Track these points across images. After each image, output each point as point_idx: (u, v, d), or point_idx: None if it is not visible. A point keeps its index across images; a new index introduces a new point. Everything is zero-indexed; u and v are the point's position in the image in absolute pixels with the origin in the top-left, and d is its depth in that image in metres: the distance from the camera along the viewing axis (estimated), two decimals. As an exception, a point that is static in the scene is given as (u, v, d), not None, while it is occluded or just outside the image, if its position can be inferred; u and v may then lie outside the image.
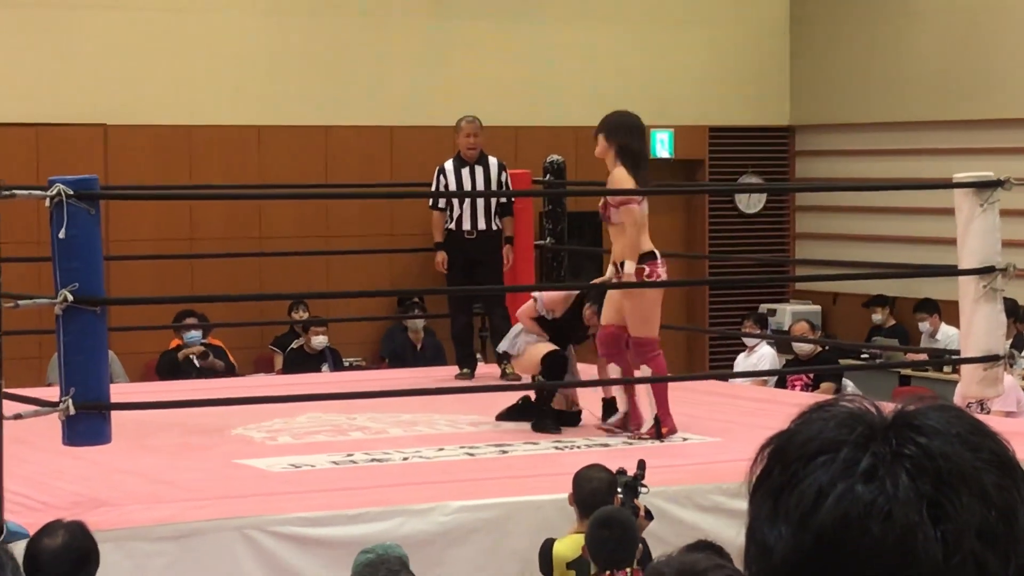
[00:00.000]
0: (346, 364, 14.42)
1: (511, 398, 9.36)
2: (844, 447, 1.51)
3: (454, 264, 11.09)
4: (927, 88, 15.81)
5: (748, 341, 14.15)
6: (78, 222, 6.85)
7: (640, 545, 6.49)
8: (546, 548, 6.79)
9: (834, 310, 16.25)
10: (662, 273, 8.89)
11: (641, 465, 6.93)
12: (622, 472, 6.91)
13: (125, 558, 6.58)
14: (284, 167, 14.89)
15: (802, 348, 13.48)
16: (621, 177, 8.89)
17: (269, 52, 15.13)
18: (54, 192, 6.84)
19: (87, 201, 6.90)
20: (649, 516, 6.91)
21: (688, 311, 16.97)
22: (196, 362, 13.76)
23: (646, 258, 8.83)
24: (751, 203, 17.28)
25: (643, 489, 6.88)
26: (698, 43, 16.78)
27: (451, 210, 11.15)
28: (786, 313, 16.21)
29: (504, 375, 11.04)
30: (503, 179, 11.19)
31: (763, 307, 16.23)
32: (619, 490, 6.77)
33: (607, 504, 6.64)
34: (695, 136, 16.81)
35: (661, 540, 6.92)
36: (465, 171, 11.15)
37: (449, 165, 11.18)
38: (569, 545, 6.70)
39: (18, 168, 12.91)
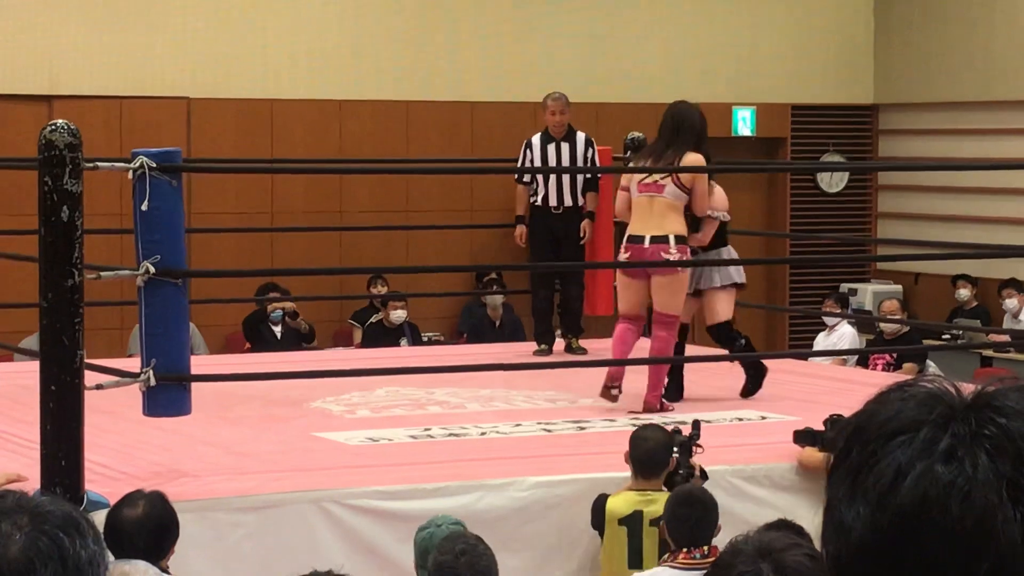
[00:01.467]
0: (424, 339, 14.46)
1: (586, 374, 9.34)
2: (923, 427, 1.50)
3: (538, 239, 11.08)
4: (1013, 67, 15.62)
5: (828, 320, 14.07)
6: (160, 194, 6.89)
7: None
8: (600, 503, 6.88)
9: (916, 290, 16.12)
10: (620, 256, 9.06)
11: (696, 425, 7.12)
12: (677, 432, 7.07)
13: (205, 529, 6.64)
14: (365, 142, 14.94)
15: (888, 327, 13.39)
16: (702, 185, 9.01)
17: (351, 27, 15.16)
18: (137, 164, 6.88)
19: (169, 174, 6.94)
20: (704, 475, 7.04)
21: (768, 290, 16.90)
22: (283, 323, 13.83)
23: (683, 240, 8.91)
24: (833, 182, 17.17)
25: (698, 449, 7.04)
26: (781, 20, 16.66)
27: (536, 185, 11.13)
28: (867, 293, 16.10)
29: (570, 349, 11.05)
30: (590, 155, 11.14)
31: (844, 286, 16.12)
32: (675, 450, 6.90)
33: (663, 463, 6.82)
34: (777, 114, 16.71)
35: (739, 519, 6.91)
36: (551, 146, 11.13)
37: (536, 139, 11.17)
38: (623, 501, 6.83)
39: (102, 141, 13.01)
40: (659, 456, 6.87)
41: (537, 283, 11.50)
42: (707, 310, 9.49)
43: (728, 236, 9.61)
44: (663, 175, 8.89)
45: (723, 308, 9.40)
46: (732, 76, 16.41)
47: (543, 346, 11.06)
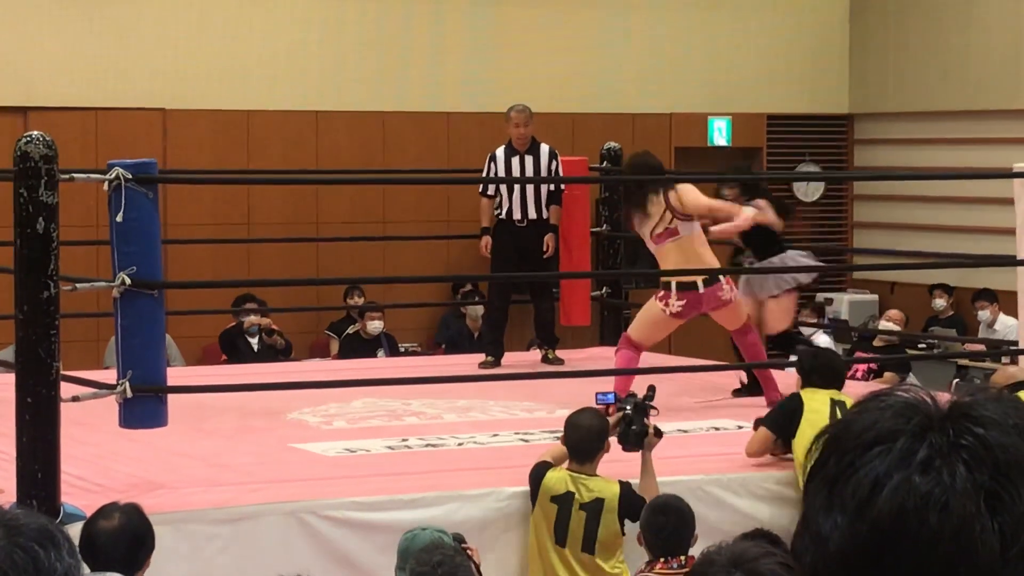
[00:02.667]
0: (402, 350, 14.45)
1: (563, 384, 9.35)
2: (901, 437, 1.50)
3: (502, 252, 11.06)
4: (988, 76, 15.68)
5: (805, 330, 14.08)
6: (136, 206, 6.88)
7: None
8: (539, 472, 7.03)
9: (892, 300, 16.15)
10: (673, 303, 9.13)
11: (651, 388, 7.39)
12: (632, 395, 7.38)
13: (180, 541, 6.62)
14: (341, 152, 14.93)
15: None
16: (691, 195, 9.14)
17: (327, 37, 15.16)
18: (113, 176, 6.87)
19: (145, 185, 6.93)
20: (659, 433, 7.26)
21: (744, 299, 16.91)
22: (259, 338, 13.80)
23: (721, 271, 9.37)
24: (809, 191, 17.20)
25: (653, 411, 7.29)
26: (756, 30, 16.70)
27: (500, 198, 11.13)
28: (843, 302, 16.13)
29: (547, 360, 11.05)
30: (554, 167, 11.14)
31: (820, 296, 16.15)
32: (628, 408, 7.20)
33: (595, 450, 7.02)
34: (753, 124, 16.75)
35: (715, 528, 6.91)
36: (515, 159, 11.12)
37: (500, 152, 11.15)
38: (559, 480, 7.02)
39: (77, 152, 12.98)
40: (591, 444, 7.05)
41: (493, 294, 11.50)
42: (764, 320, 9.67)
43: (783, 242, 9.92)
44: (668, 222, 9.03)
45: (778, 318, 9.63)
46: (708, 86, 16.44)
47: (490, 358, 11.00)
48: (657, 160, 9.47)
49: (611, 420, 7.27)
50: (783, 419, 7.64)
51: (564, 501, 6.98)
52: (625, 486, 7.01)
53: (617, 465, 7.20)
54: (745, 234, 9.57)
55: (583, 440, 7.05)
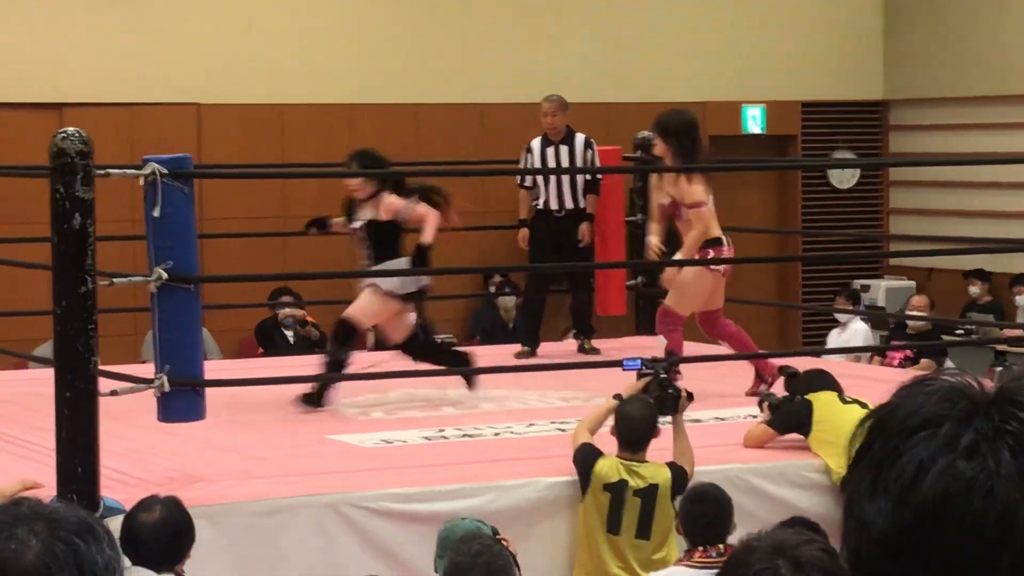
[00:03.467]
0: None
1: (599, 374, 9.33)
2: (946, 422, 1.49)
3: (539, 243, 11.07)
4: (1022, 61, 15.58)
5: (841, 317, 14.04)
6: (172, 201, 6.90)
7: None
8: (588, 460, 7.04)
9: (928, 286, 16.09)
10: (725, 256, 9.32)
11: (670, 352, 7.80)
12: (657, 360, 7.54)
13: (219, 533, 6.63)
14: (375, 145, 14.83)
15: (912, 322, 13.43)
16: (695, 189, 9.17)
17: (359, 30, 15.17)
18: (148, 172, 6.89)
19: (180, 180, 6.95)
20: (690, 397, 7.42)
21: (781, 287, 16.87)
22: (293, 331, 13.83)
23: (712, 243, 9.23)
24: (844, 178, 17.14)
25: (678, 375, 7.55)
26: (790, 17, 16.64)
27: (537, 189, 11.13)
28: (880, 289, 16.07)
29: (583, 350, 11.05)
30: (589, 157, 11.12)
31: (856, 283, 16.10)
32: (661, 373, 7.38)
33: (648, 437, 7.05)
34: (787, 111, 16.69)
35: (754, 517, 6.90)
36: (551, 150, 11.12)
37: (536, 143, 11.15)
38: (612, 467, 7.03)
39: (113, 148, 13.00)
40: (645, 432, 7.07)
41: (531, 284, 11.52)
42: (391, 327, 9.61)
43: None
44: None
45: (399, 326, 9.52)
46: (741, 74, 16.39)
47: (526, 347, 11.01)
48: (687, 119, 9.52)
49: (639, 384, 7.33)
50: (789, 420, 7.73)
51: (617, 489, 6.99)
52: (675, 468, 7.06)
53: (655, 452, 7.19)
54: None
55: (636, 430, 7.06)
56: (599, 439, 7.27)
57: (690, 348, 9.70)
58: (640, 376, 7.49)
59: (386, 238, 9.21)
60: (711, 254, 9.20)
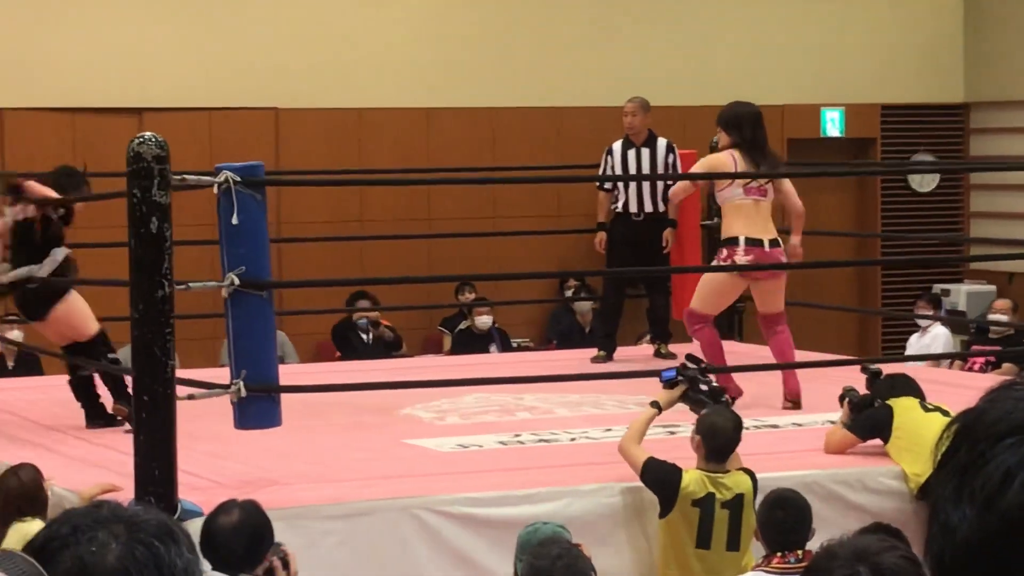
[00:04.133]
0: (514, 345, 14.46)
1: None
2: (1033, 429, 1.47)
3: (618, 246, 11.04)
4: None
5: (921, 322, 13.93)
6: (245, 208, 6.92)
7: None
8: (670, 479, 6.92)
9: (1010, 290, 15.93)
10: (739, 259, 9.04)
11: (689, 356, 7.56)
12: (685, 366, 7.42)
13: (296, 536, 6.65)
14: (452, 149, 14.96)
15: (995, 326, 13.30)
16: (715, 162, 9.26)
17: (437, 34, 15.20)
18: (222, 179, 6.92)
19: (253, 188, 6.97)
20: (723, 392, 7.41)
21: (860, 292, 16.76)
22: (368, 331, 13.89)
23: (727, 243, 9.10)
24: (924, 182, 17.00)
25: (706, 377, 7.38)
26: (870, 19, 16.53)
27: (617, 192, 11.10)
28: (960, 293, 15.93)
29: (659, 355, 11.01)
30: (671, 160, 11.09)
31: (937, 287, 15.96)
32: (698, 373, 7.30)
33: (735, 446, 6.94)
34: (867, 114, 16.58)
35: (832, 524, 6.85)
36: (632, 152, 11.09)
37: (617, 146, 11.13)
38: (697, 482, 6.91)
39: (192, 152, 13.12)
40: (732, 443, 6.98)
41: (608, 287, 11.49)
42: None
43: None
44: (766, 180, 9.04)
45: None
46: (820, 76, 16.30)
47: (602, 352, 10.97)
48: (747, 110, 9.41)
49: (675, 393, 7.29)
50: (871, 424, 7.67)
51: (706, 503, 6.87)
52: (752, 474, 7.00)
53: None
54: None
55: (731, 440, 6.94)
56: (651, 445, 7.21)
57: (767, 354, 9.62)
58: (673, 385, 7.40)
59: None
60: (724, 253, 9.11)
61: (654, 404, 7.31)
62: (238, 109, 14.50)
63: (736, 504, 6.89)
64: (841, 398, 7.89)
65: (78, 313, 8.94)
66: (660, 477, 6.96)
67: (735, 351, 10.15)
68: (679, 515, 6.92)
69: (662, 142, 11.13)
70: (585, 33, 15.56)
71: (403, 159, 14.55)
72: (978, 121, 16.96)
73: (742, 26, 16.09)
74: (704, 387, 7.28)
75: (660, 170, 11.03)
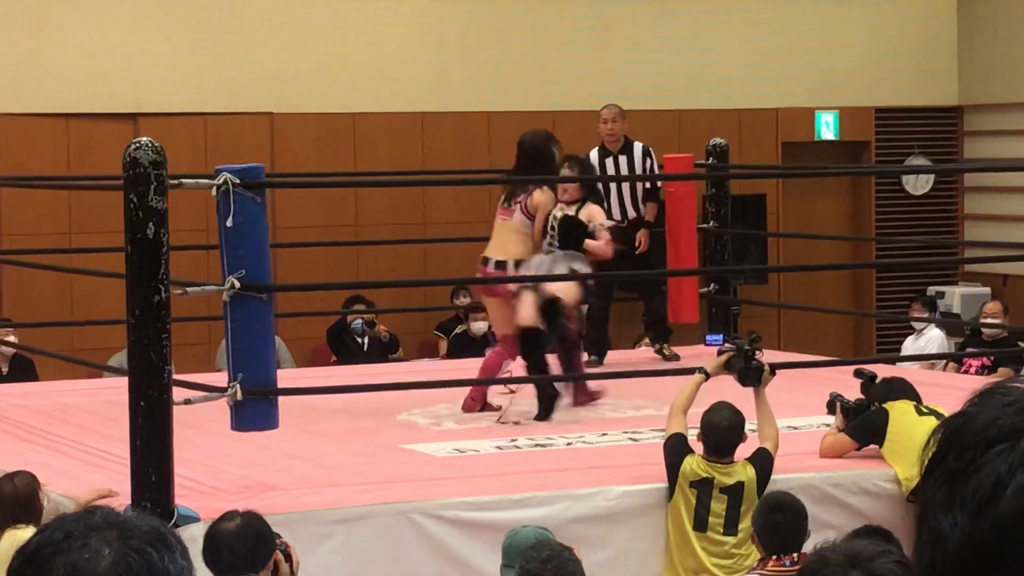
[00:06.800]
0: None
1: (674, 382, 9.29)
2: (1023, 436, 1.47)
3: None
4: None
5: (916, 324, 13.93)
6: (244, 210, 6.93)
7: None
8: (677, 454, 7.13)
9: (1004, 292, 15.94)
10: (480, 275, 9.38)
11: (751, 332, 7.80)
12: (739, 337, 7.74)
13: (294, 541, 6.63)
14: (447, 153, 14.96)
15: (988, 329, 13.28)
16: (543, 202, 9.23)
17: (431, 39, 15.20)
18: (221, 181, 6.92)
19: (253, 190, 6.98)
20: (773, 371, 7.56)
21: (855, 294, 16.77)
22: (362, 331, 13.86)
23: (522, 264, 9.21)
24: (918, 185, 17.01)
25: (759, 350, 7.56)
26: (863, 22, 16.54)
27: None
28: (955, 296, 15.93)
29: (661, 354, 11.01)
30: (648, 165, 11.10)
31: (931, 290, 15.97)
32: (746, 346, 7.48)
33: (736, 443, 7.11)
34: (861, 117, 16.59)
35: (827, 526, 6.87)
36: (609, 161, 11.12)
37: (593, 154, 11.14)
38: (699, 465, 7.10)
39: (187, 157, 13.11)
40: (733, 440, 7.13)
41: (596, 294, 11.50)
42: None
43: None
44: (515, 199, 9.09)
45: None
46: (814, 80, 16.30)
47: (593, 357, 10.98)
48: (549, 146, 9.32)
49: (721, 359, 7.46)
50: (869, 430, 7.68)
51: (704, 486, 7.06)
52: (758, 468, 7.08)
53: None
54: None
55: (725, 438, 7.11)
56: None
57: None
58: (721, 352, 7.54)
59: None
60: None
61: (701, 370, 7.51)
62: (233, 114, 14.50)
63: (736, 491, 7.01)
64: (829, 404, 7.91)
65: None
66: (671, 456, 7.17)
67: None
68: (680, 496, 7.09)
69: (638, 146, 11.14)
70: (580, 37, 15.56)
71: (398, 163, 14.55)
72: (972, 124, 16.97)
73: (736, 30, 16.10)
74: (752, 361, 7.42)
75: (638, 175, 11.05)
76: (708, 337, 7.79)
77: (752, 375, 7.43)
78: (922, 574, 1.49)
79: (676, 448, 7.17)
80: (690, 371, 8.22)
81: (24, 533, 6.67)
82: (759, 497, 6.97)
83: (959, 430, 1.51)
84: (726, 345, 7.63)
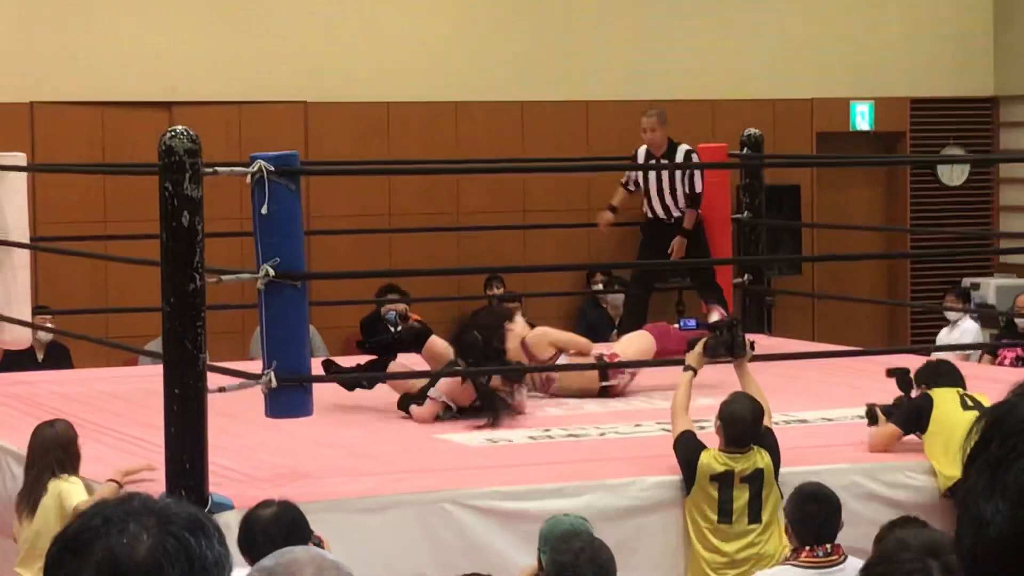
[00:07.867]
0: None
1: (705, 372, 9.28)
2: (1066, 423, 1.46)
3: (648, 245, 11.22)
4: None
5: (950, 316, 13.88)
6: (279, 198, 6.94)
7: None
8: (691, 453, 7.12)
9: (1040, 284, 15.86)
10: None
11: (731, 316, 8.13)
12: (717, 322, 7.90)
13: (327, 530, 6.65)
14: (480, 142, 14.96)
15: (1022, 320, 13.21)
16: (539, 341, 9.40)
17: (464, 28, 15.20)
18: (255, 169, 6.93)
19: (287, 177, 6.99)
20: (752, 347, 7.81)
21: (889, 285, 16.71)
22: (397, 324, 13.87)
23: None
24: (954, 175, 16.94)
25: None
26: (898, 12, 16.47)
27: (643, 196, 11.28)
28: (990, 287, 15.86)
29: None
30: (687, 172, 11.13)
31: (966, 281, 15.91)
32: (733, 323, 7.70)
33: (756, 434, 7.10)
34: (896, 108, 16.52)
35: (860, 518, 6.86)
36: (653, 163, 11.16)
37: (641, 152, 11.24)
38: (716, 460, 7.10)
39: (221, 145, 13.13)
40: (753, 431, 7.12)
41: (633, 281, 11.61)
42: None
43: None
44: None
45: None
46: (849, 70, 16.25)
47: None
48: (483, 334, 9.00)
49: (698, 348, 7.57)
50: (914, 416, 7.64)
51: (724, 478, 7.06)
52: (770, 451, 7.09)
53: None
54: None
55: (748, 430, 7.09)
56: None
57: (796, 347, 9.61)
58: (692, 343, 7.69)
59: None
60: None
61: (687, 368, 7.52)
62: (267, 103, 14.52)
63: (756, 478, 7.04)
64: (869, 415, 7.81)
65: None
66: (684, 454, 7.17)
67: (763, 344, 10.12)
68: (700, 492, 7.08)
69: (682, 150, 11.16)
70: (614, 27, 15.54)
71: (431, 152, 14.55)
72: (1007, 114, 16.89)
73: (771, 20, 16.05)
74: (727, 332, 7.59)
75: (680, 179, 11.05)
76: (682, 322, 7.87)
77: (741, 344, 7.59)
78: (964, 559, 1.49)
79: (688, 446, 7.16)
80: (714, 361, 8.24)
81: (68, 485, 6.82)
82: (776, 481, 7.00)
83: (1002, 418, 1.51)
84: (709, 331, 7.75)
